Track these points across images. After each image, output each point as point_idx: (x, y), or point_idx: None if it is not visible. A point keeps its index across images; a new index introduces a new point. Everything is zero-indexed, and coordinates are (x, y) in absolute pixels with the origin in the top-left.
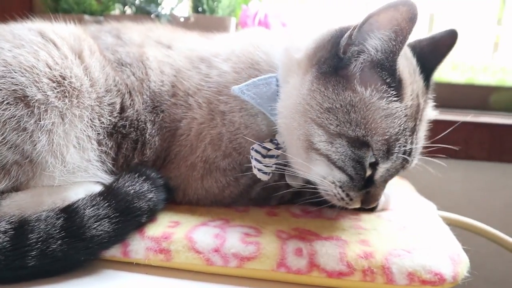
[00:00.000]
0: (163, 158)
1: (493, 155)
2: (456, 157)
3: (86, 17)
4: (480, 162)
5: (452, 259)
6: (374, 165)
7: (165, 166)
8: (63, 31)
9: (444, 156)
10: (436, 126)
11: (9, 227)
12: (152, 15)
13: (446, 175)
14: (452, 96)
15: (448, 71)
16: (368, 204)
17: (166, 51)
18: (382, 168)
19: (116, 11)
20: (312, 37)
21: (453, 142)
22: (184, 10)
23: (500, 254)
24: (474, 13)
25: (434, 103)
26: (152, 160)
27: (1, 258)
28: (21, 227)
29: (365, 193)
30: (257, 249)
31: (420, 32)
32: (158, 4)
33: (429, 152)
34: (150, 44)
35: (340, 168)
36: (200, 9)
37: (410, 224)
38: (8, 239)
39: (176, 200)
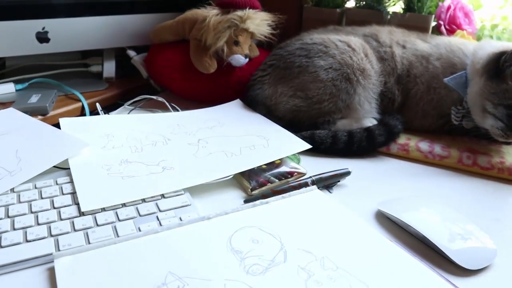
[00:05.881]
0: (400, 106)
1: None
2: None
3: (337, 10)
4: None
5: None
6: None
7: (401, 111)
8: (356, 43)
9: None
10: None
11: (345, 134)
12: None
13: None
14: None
15: None
16: None
17: (402, 50)
18: None
19: (352, 3)
20: (485, 56)
21: None
22: (398, 8)
23: None
24: None
25: None
26: (396, 108)
27: (341, 146)
28: (350, 135)
29: None
30: (448, 154)
31: None
32: (383, 4)
33: None
34: (393, 45)
35: (500, 120)
36: (410, 7)
37: None
38: (345, 138)
39: (404, 126)
